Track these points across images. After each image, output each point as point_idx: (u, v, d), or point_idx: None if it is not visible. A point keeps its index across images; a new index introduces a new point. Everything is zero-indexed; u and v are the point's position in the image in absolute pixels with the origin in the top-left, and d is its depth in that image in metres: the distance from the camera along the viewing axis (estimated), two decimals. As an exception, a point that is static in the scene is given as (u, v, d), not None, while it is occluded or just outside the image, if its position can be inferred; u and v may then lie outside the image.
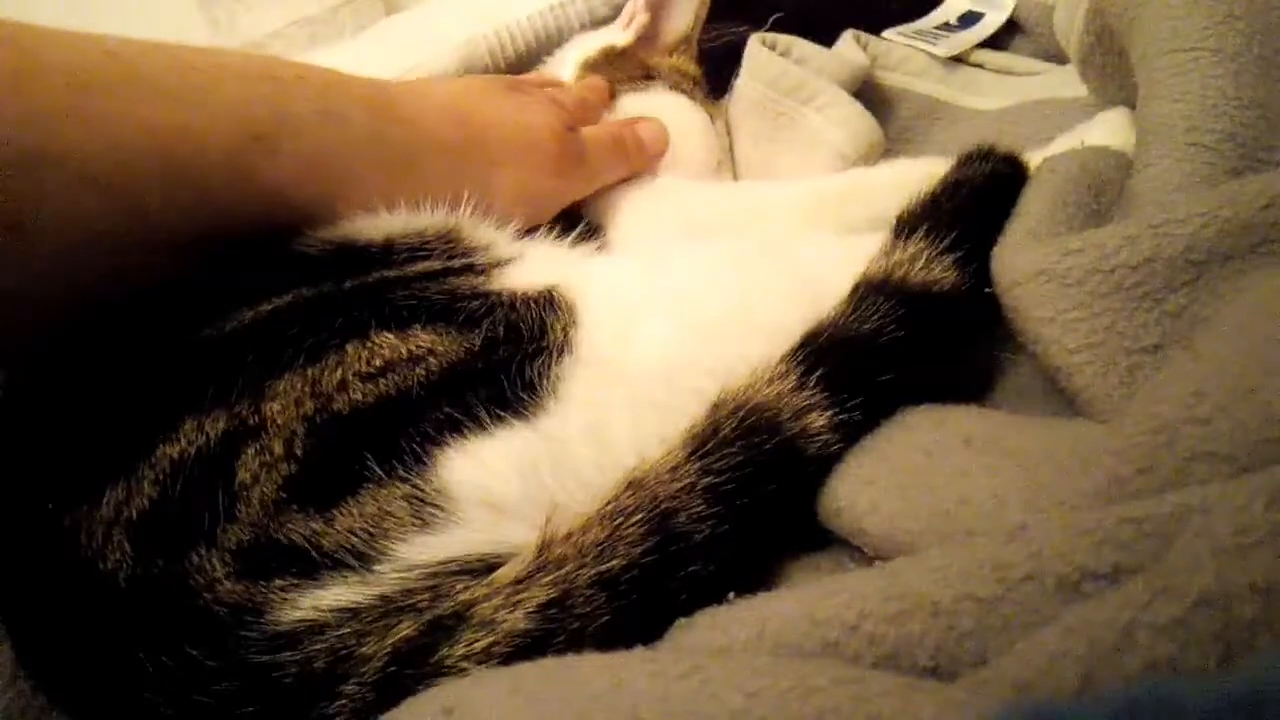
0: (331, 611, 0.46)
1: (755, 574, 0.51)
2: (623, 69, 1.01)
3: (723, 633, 0.44)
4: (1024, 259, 0.55)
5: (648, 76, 1.01)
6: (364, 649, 0.45)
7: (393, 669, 0.44)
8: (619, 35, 1.06)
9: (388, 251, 0.61)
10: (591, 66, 1.02)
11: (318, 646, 0.45)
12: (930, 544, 0.44)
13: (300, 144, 0.59)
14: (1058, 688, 0.27)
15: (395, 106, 0.66)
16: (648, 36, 1.06)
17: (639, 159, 0.87)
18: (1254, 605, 0.26)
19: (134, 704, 0.47)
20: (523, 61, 1.12)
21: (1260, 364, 0.38)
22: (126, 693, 0.47)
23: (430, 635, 0.45)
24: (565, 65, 1.05)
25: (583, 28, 1.13)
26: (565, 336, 0.58)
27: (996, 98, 1.03)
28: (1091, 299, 0.51)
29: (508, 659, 0.44)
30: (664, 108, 0.97)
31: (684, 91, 1.01)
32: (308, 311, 0.56)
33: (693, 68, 1.07)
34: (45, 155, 0.48)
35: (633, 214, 0.80)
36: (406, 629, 0.45)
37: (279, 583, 0.47)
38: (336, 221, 0.62)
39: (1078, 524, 0.35)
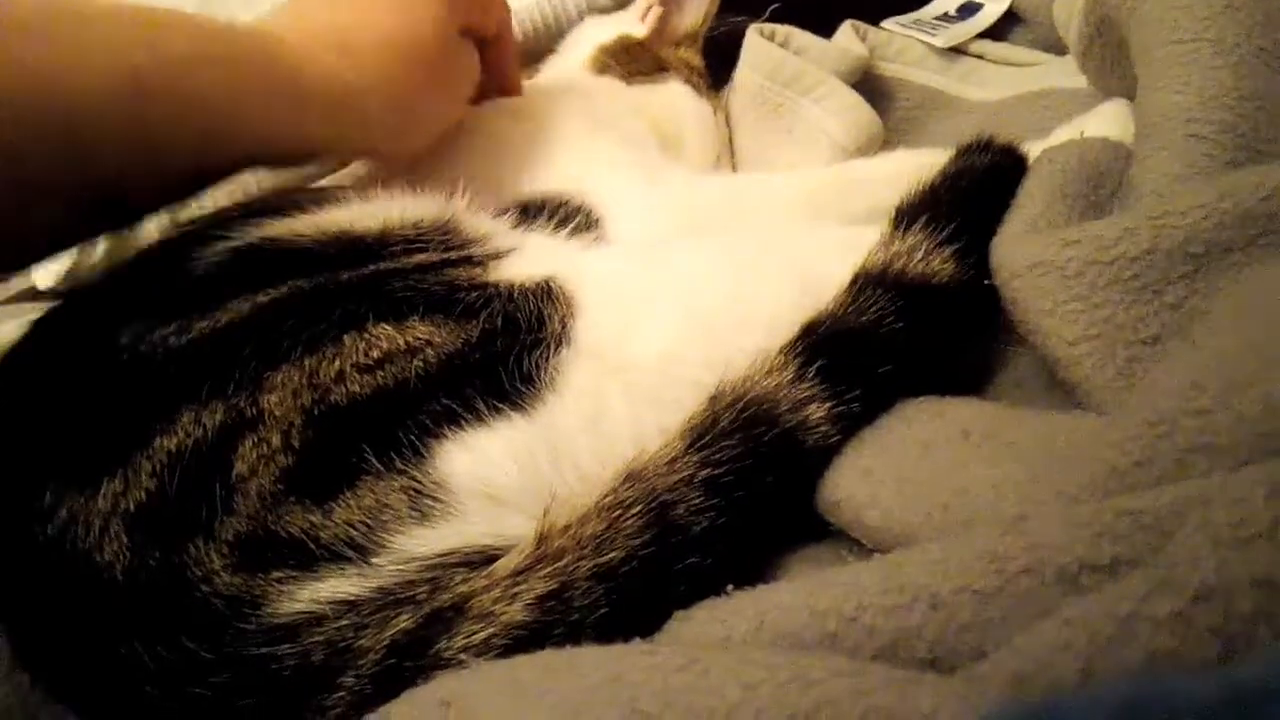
0: (329, 604, 0.46)
1: (754, 566, 0.51)
2: (637, 60, 1.02)
3: (721, 625, 0.44)
4: (1023, 250, 0.55)
5: (661, 68, 1.02)
6: (362, 641, 0.45)
7: (391, 661, 0.44)
8: (635, 26, 1.06)
9: (384, 242, 0.61)
10: (608, 53, 1.02)
11: (316, 639, 0.45)
12: (928, 536, 0.44)
13: (181, 85, 0.58)
14: (1057, 681, 0.27)
15: (279, 46, 0.65)
16: (658, 28, 1.06)
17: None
18: (1254, 598, 0.26)
19: (131, 696, 0.47)
20: (521, 50, 1.11)
21: (1259, 356, 0.38)
22: (124, 685, 0.47)
23: (428, 627, 0.45)
24: (579, 47, 1.06)
25: (580, 17, 1.13)
26: (563, 328, 0.57)
27: (995, 89, 1.03)
28: (1090, 290, 0.51)
29: (506, 651, 0.44)
30: (675, 100, 0.98)
31: (691, 84, 1.01)
32: (305, 303, 0.56)
33: (697, 60, 1.07)
34: None
35: (633, 205, 0.79)
36: (405, 621, 0.45)
37: (277, 575, 0.47)
38: (221, 161, 0.63)
39: (1076, 516, 0.35)
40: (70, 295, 0.68)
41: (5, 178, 0.52)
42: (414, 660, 0.44)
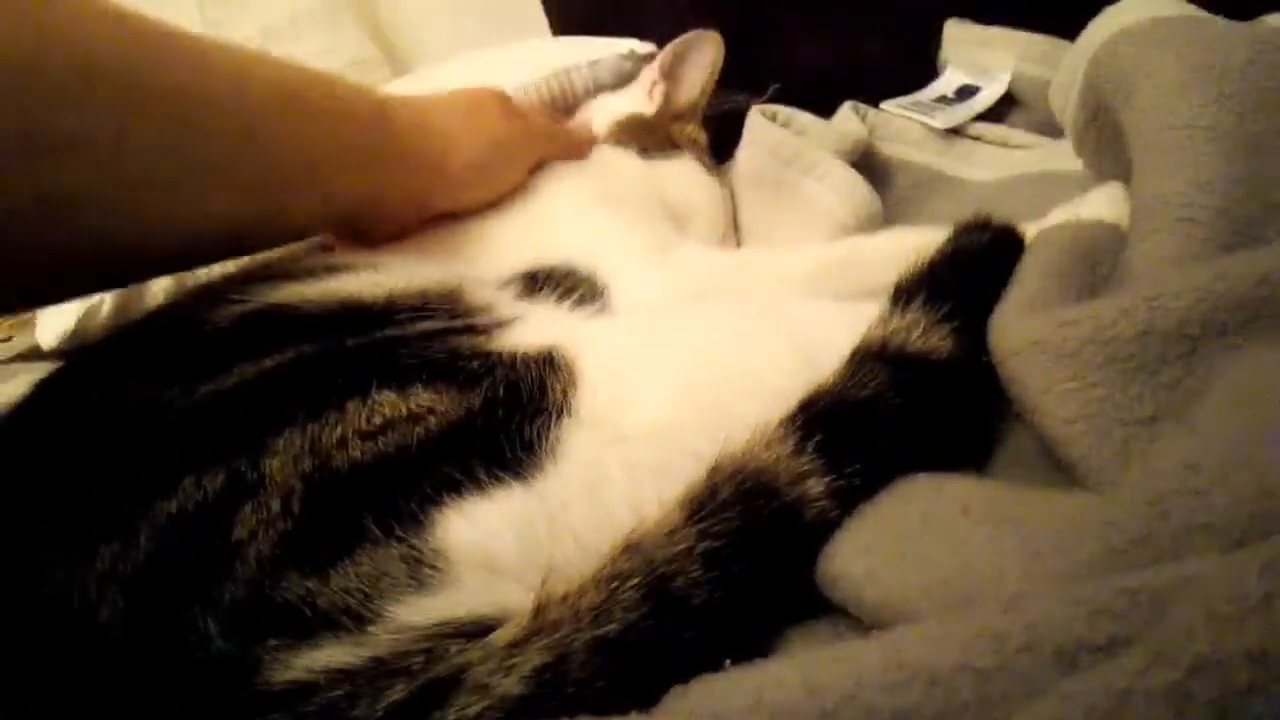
0: (324, 672, 0.46)
1: (752, 641, 0.51)
2: (651, 135, 1.05)
3: (719, 700, 0.43)
4: (1020, 329, 0.56)
5: (673, 145, 1.04)
6: (355, 712, 0.45)
7: (385, 734, 0.44)
8: (642, 102, 1.09)
9: (390, 310, 0.62)
10: (623, 128, 1.05)
11: (309, 708, 0.45)
12: (927, 613, 0.44)
13: (325, 107, 0.73)
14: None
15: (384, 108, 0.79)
16: (662, 103, 1.09)
17: (573, 139, 1.01)
18: (1249, 671, 0.26)
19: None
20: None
21: (1254, 437, 0.38)
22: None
23: (423, 699, 0.45)
24: (594, 121, 1.09)
25: (587, 94, 1.15)
26: (565, 397, 0.58)
27: (993, 170, 1.04)
28: (1087, 370, 0.51)
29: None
30: (686, 175, 1.00)
31: (700, 161, 1.04)
32: (308, 368, 0.56)
33: (701, 136, 1.10)
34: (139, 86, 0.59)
35: (639, 277, 0.81)
36: (399, 692, 0.45)
37: (272, 642, 0.46)
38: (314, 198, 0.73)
39: (1074, 595, 0.35)
40: (74, 354, 0.69)
41: (197, 165, 0.64)
42: (408, 733, 0.44)
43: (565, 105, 1.16)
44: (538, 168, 0.94)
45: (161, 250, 0.68)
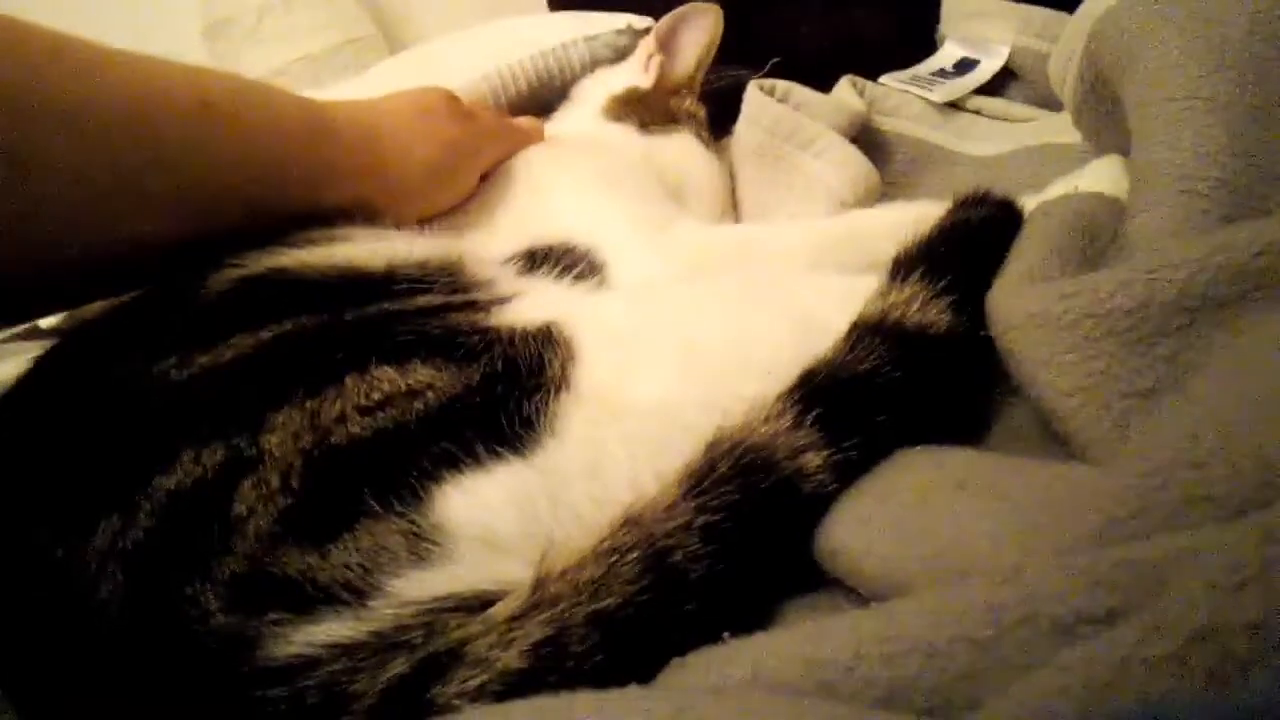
0: (324, 647, 0.46)
1: (751, 614, 0.51)
2: (650, 110, 1.04)
3: (717, 673, 0.43)
4: (1018, 302, 0.56)
5: (672, 119, 1.04)
6: (356, 685, 0.45)
7: (385, 706, 0.44)
8: (639, 76, 1.08)
9: (390, 281, 0.62)
10: (622, 102, 1.04)
11: (309, 682, 0.45)
12: (925, 585, 0.44)
13: (245, 118, 0.67)
14: (1053, 722, 0.27)
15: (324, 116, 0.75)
16: (659, 77, 1.09)
17: (526, 135, 0.98)
18: (1247, 640, 0.26)
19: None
20: (524, 101, 1.13)
21: (1254, 408, 0.38)
22: (115, 725, 0.47)
23: (423, 673, 0.45)
24: (593, 95, 1.08)
25: (584, 69, 1.15)
26: (563, 373, 0.58)
27: (992, 143, 1.04)
28: (1085, 343, 0.51)
29: (500, 697, 0.44)
30: (685, 151, 1.00)
31: (698, 137, 1.03)
32: (308, 342, 0.56)
33: (699, 110, 1.09)
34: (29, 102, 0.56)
35: (638, 253, 0.80)
36: (399, 666, 0.45)
37: (272, 616, 0.46)
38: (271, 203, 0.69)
39: (1072, 567, 0.35)
40: (72, 332, 0.69)
41: (110, 180, 0.60)
42: (407, 705, 0.44)
43: (562, 80, 1.15)
44: (492, 167, 0.92)
45: (96, 272, 0.65)
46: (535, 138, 0.98)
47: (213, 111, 0.65)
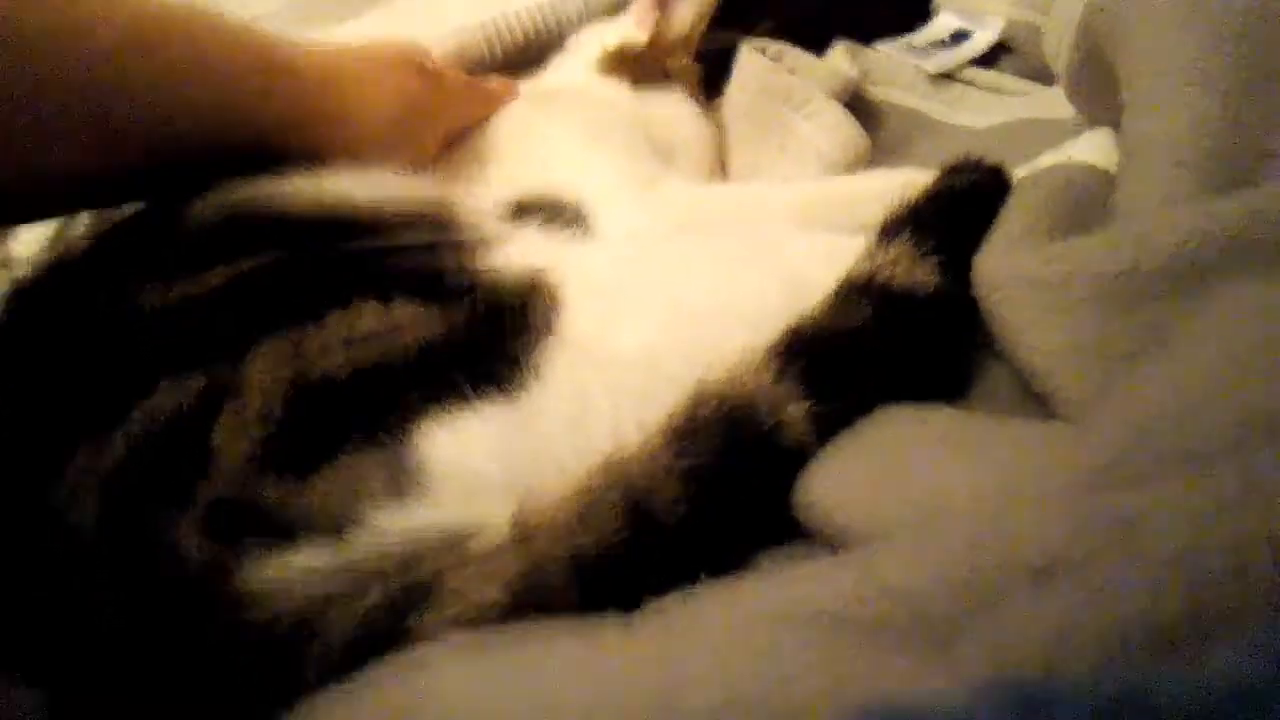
0: (301, 574, 0.46)
1: (728, 563, 0.51)
2: (644, 66, 1.04)
3: (693, 615, 0.44)
4: (1005, 264, 0.56)
5: (666, 76, 1.03)
6: (332, 613, 0.45)
7: (360, 634, 0.44)
8: (634, 31, 1.07)
9: (377, 218, 0.61)
10: (615, 57, 1.03)
11: (285, 609, 0.45)
12: (903, 536, 0.45)
13: (184, 48, 0.63)
14: (1032, 649, 0.27)
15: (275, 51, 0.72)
16: (655, 33, 1.08)
17: (494, 97, 0.95)
18: (1223, 560, 0.26)
19: (93, 660, 0.46)
20: (519, 53, 1.12)
21: (1237, 366, 0.39)
22: (86, 649, 0.46)
23: (399, 603, 0.45)
24: (586, 48, 1.07)
25: (580, 21, 1.14)
26: (548, 319, 0.58)
27: (984, 115, 1.04)
28: (1071, 305, 0.51)
29: (476, 629, 0.44)
30: (676, 109, 0.99)
31: (691, 95, 1.03)
32: (292, 274, 0.56)
33: (694, 69, 1.08)
34: None
35: (625, 209, 0.80)
36: (376, 596, 0.45)
37: (249, 543, 0.46)
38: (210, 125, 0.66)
39: (1051, 513, 0.36)
40: (52, 260, 0.68)
41: (31, 115, 0.56)
42: (383, 634, 0.44)
43: (559, 34, 1.14)
44: (459, 130, 0.91)
45: (40, 199, 0.64)
46: (505, 100, 0.96)
47: (145, 40, 0.61)
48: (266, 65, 0.69)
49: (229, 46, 0.67)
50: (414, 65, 0.83)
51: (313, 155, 0.70)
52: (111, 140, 0.61)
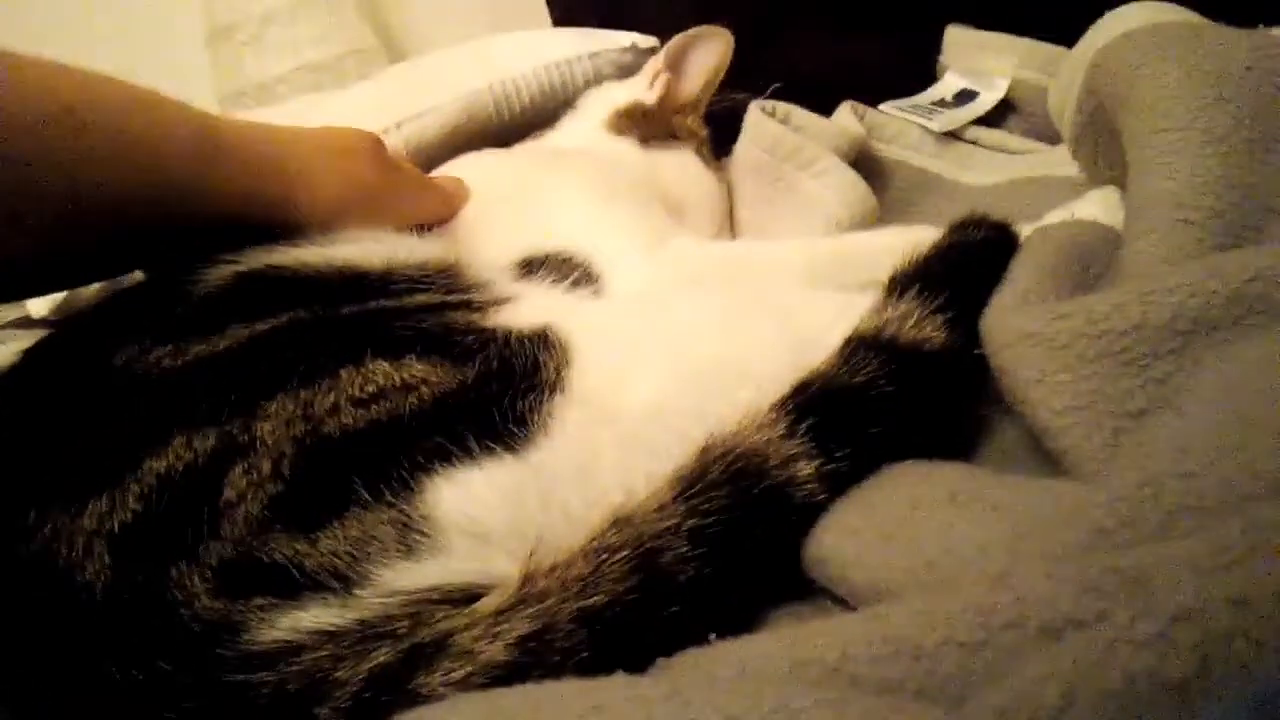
0: (309, 633, 0.46)
1: (738, 619, 0.51)
2: (652, 125, 1.05)
3: (704, 672, 0.43)
4: (1013, 322, 0.56)
5: (673, 136, 1.05)
6: (340, 673, 0.45)
7: (368, 694, 0.44)
8: (644, 92, 1.09)
9: (387, 279, 0.62)
10: (625, 116, 1.05)
11: (294, 668, 0.45)
12: (914, 593, 0.44)
13: (115, 128, 0.62)
14: (1040, 707, 0.27)
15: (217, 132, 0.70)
16: (664, 95, 1.10)
17: (450, 198, 0.92)
18: (1230, 616, 0.26)
19: (103, 718, 0.46)
20: (527, 115, 1.14)
21: (1244, 424, 0.39)
22: (95, 707, 0.46)
23: (407, 663, 0.45)
24: (596, 107, 1.09)
25: (588, 84, 1.16)
26: (558, 375, 0.58)
27: (989, 174, 1.05)
28: (1079, 362, 0.51)
29: (484, 690, 0.44)
30: (685, 167, 1.00)
31: (699, 154, 1.04)
32: (304, 334, 0.56)
33: (701, 129, 1.10)
34: None
35: (634, 265, 0.81)
36: (384, 655, 0.45)
37: (258, 601, 0.46)
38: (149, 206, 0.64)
39: (1061, 572, 0.35)
40: (64, 321, 0.69)
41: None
42: (391, 694, 0.44)
43: (565, 96, 1.16)
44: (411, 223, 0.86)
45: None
46: (455, 204, 0.92)
47: (75, 118, 0.60)
48: (200, 146, 0.68)
49: (160, 125, 0.66)
50: (368, 153, 0.81)
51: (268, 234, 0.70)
52: (56, 220, 0.61)
